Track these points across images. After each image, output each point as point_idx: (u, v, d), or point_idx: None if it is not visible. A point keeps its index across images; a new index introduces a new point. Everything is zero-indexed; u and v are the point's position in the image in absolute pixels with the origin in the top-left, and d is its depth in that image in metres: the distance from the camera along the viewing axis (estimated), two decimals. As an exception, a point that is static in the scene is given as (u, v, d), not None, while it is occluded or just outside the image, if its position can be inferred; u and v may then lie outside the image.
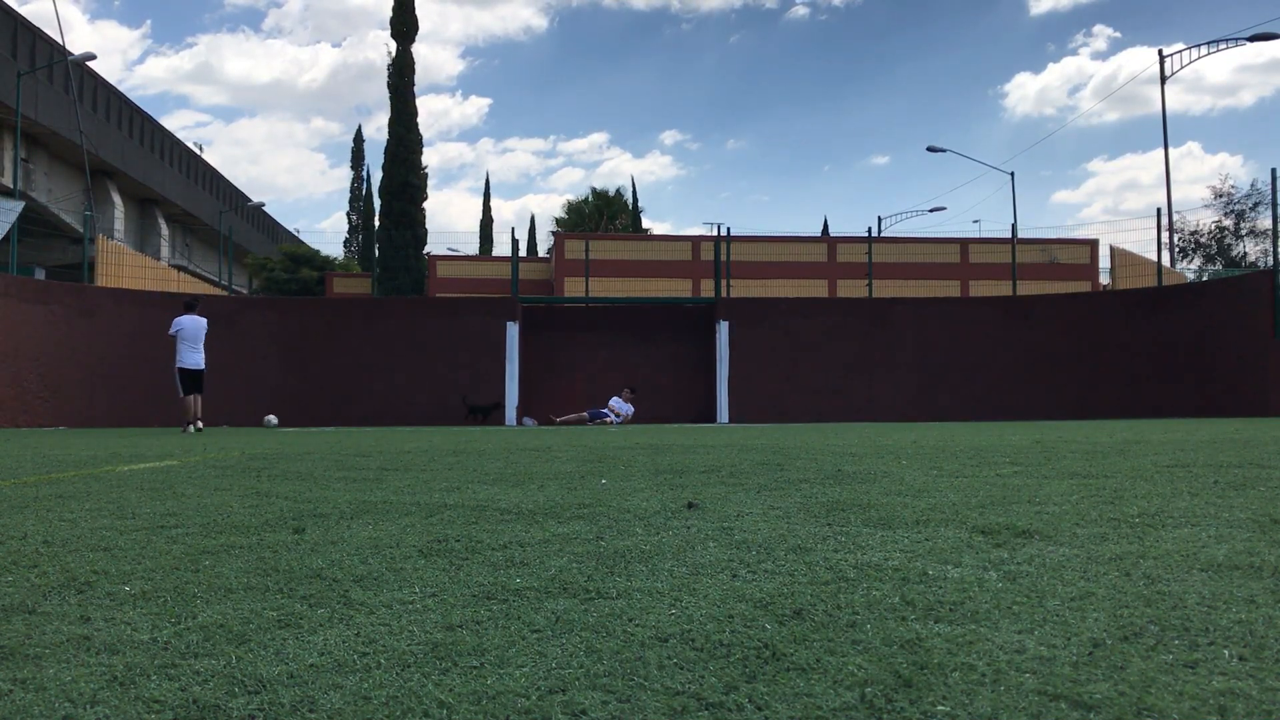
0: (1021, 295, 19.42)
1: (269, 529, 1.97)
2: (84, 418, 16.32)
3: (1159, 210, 19.68)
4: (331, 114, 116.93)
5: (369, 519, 2.12)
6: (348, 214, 52.24)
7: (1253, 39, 28.14)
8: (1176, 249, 32.43)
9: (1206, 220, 35.84)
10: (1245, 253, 35.66)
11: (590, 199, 43.77)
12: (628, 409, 16.57)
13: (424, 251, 33.86)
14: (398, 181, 33.82)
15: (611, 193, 44.54)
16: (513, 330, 18.11)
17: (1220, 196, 36.08)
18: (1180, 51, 30.29)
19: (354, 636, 1.07)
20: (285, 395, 18.03)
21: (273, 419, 16.34)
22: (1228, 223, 36.12)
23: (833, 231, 40.23)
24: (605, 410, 16.54)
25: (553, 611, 1.17)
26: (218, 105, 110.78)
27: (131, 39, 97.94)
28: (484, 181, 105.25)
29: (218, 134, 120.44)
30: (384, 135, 33.79)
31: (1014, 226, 22.31)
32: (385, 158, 34.08)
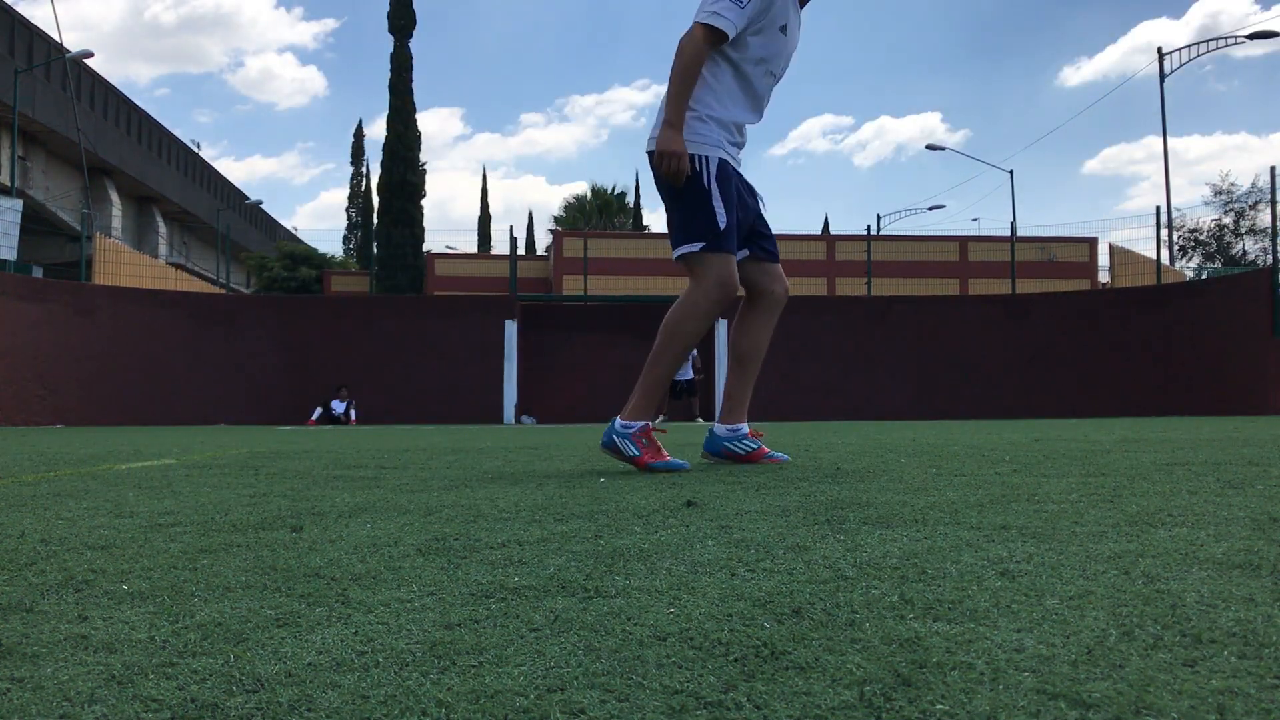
0: (1021, 294, 19.41)
1: (267, 527, 1.97)
2: (82, 416, 16.30)
3: (1158, 208, 19.68)
4: (333, 111, 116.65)
5: (367, 517, 2.12)
6: (347, 210, 52.16)
7: (1252, 37, 28.14)
8: (1176, 247, 32.44)
9: (1206, 218, 35.83)
10: (1245, 251, 35.65)
11: (590, 196, 43.65)
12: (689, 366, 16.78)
13: (423, 249, 33.78)
14: (396, 179, 33.76)
15: (610, 189, 44.37)
16: (511, 328, 18.09)
17: (1220, 194, 36.05)
18: (1180, 50, 30.29)
19: (352, 635, 1.07)
20: (282, 394, 17.99)
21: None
22: (1227, 221, 36.09)
23: (832, 229, 40.18)
24: (683, 370, 16.74)
25: (551, 610, 1.17)
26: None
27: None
28: (481, 176, 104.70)
29: (217, 131, 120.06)
30: (383, 132, 33.67)
31: (1013, 225, 22.32)
32: (384, 154, 34.01)
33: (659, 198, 3.41)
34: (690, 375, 16.44)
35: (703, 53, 3.11)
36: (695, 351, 16.61)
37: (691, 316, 3.29)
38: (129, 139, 40.49)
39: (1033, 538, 1.66)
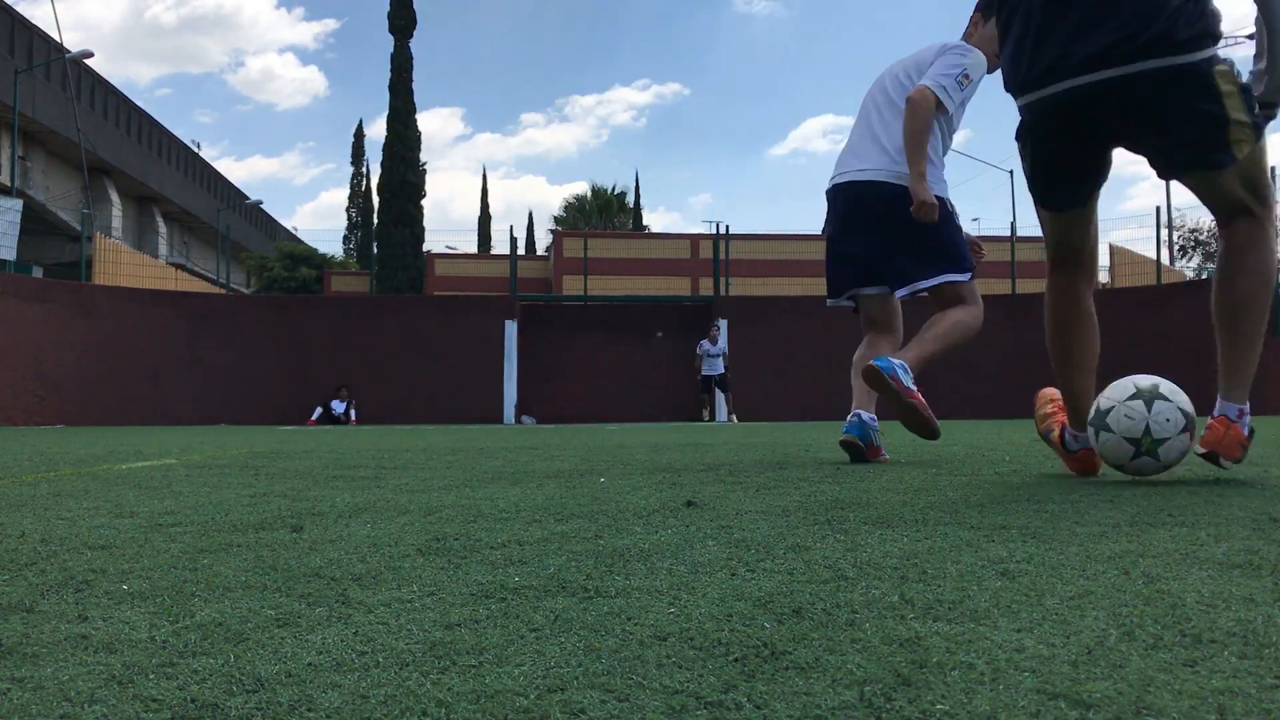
0: (1021, 293, 19.39)
1: (267, 528, 1.97)
2: (82, 416, 16.30)
3: (1158, 208, 19.65)
4: (333, 111, 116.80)
5: (367, 517, 2.12)
6: (347, 210, 52.15)
7: (1252, 37, 28.10)
8: (1176, 247, 32.43)
9: (1206, 218, 35.80)
10: (1244, 251, 35.54)
11: (590, 196, 43.64)
12: (721, 346, 17.02)
13: (423, 249, 33.77)
14: (396, 179, 33.75)
15: (611, 189, 44.33)
16: (511, 328, 18.09)
17: (1219, 195, 35.96)
18: (1179, 50, 30.21)
19: (352, 635, 1.07)
20: (282, 394, 17.98)
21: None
22: (1227, 221, 35.99)
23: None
24: (714, 365, 16.92)
25: (551, 610, 1.17)
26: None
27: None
28: (482, 176, 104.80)
29: (217, 131, 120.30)
30: (384, 132, 33.65)
31: (1013, 225, 22.30)
32: (384, 154, 33.97)
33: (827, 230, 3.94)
34: (722, 370, 16.53)
35: (933, 116, 3.64)
36: (726, 349, 16.75)
37: (975, 328, 3.79)
38: (129, 139, 40.47)
39: (1033, 538, 1.66)
